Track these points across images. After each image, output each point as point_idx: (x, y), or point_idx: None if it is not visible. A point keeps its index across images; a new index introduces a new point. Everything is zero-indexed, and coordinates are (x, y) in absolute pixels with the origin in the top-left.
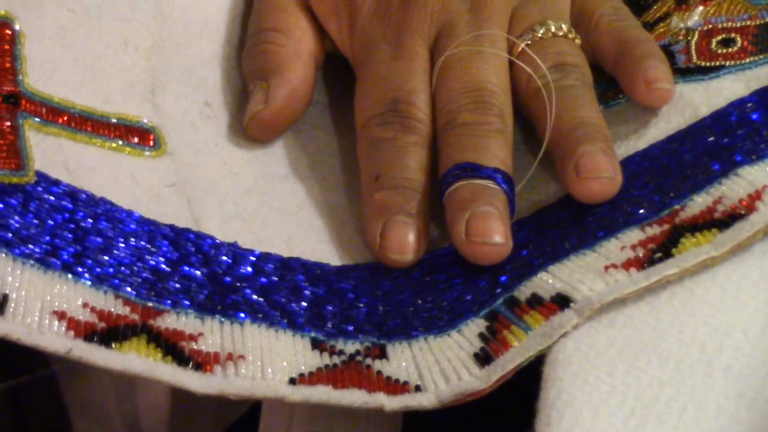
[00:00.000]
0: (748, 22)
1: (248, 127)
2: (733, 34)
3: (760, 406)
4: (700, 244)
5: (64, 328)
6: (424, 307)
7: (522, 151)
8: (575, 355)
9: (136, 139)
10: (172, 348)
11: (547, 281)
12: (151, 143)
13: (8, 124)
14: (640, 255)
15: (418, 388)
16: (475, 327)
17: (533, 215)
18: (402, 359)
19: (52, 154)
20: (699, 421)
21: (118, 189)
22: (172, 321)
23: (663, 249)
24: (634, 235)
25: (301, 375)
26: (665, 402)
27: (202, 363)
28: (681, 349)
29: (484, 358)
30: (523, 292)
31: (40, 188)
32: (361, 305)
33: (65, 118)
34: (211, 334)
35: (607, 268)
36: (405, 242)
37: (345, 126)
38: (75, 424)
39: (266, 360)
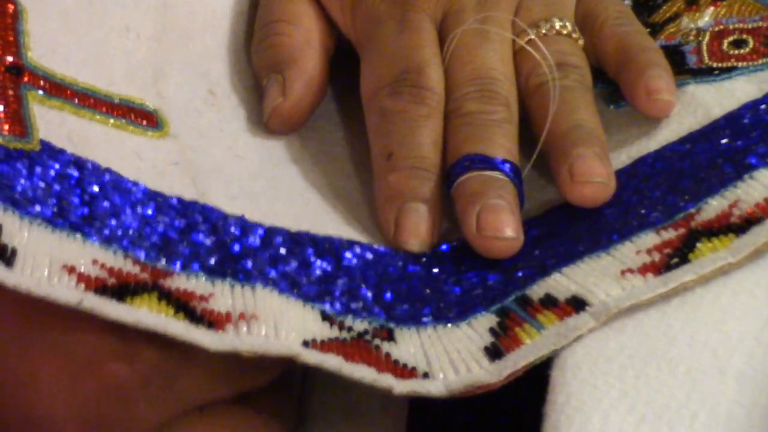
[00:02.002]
0: (760, 24)
1: (269, 122)
2: (744, 36)
3: None
4: (717, 249)
5: (74, 282)
6: (432, 297)
7: (519, 144)
8: (584, 360)
9: (139, 119)
10: (184, 306)
11: (561, 283)
12: (155, 124)
13: (11, 93)
14: (656, 260)
15: (426, 375)
16: (485, 321)
17: (544, 214)
18: (410, 345)
19: (55, 126)
20: (710, 429)
21: (122, 164)
22: (182, 282)
23: (679, 254)
24: (649, 239)
25: (314, 340)
26: (676, 409)
27: (214, 322)
28: (692, 355)
29: (494, 352)
30: (536, 291)
31: (45, 155)
32: (370, 286)
33: (68, 93)
34: (222, 295)
35: (623, 272)
36: (419, 231)
37: (349, 118)
38: None
39: (279, 321)
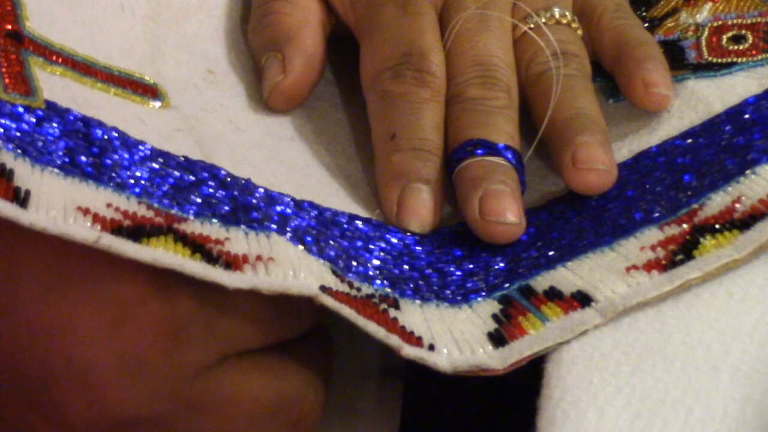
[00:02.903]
0: (759, 19)
1: (270, 100)
2: (743, 31)
3: (766, 409)
4: (721, 246)
5: (90, 222)
6: (434, 276)
7: (520, 134)
8: (580, 356)
9: (140, 90)
10: (200, 248)
11: (566, 277)
12: (155, 96)
13: (13, 57)
14: (661, 256)
15: (431, 347)
16: (488, 306)
17: (545, 206)
18: (415, 316)
19: (59, 90)
20: (705, 424)
21: (127, 128)
22: (196, 227)
23: (683, 251)
24: (653, 235)
25: (329, 288)
26: (671, 404)
27: (231, 263)
28: (687, 352)
29: (498, 339)
30: (540, 283)
31: (52, 112)
32: (374, 256)
33: (70, 62)
34: (237, 240)
35: (628, 269)
36: (422, 211)
37: (348, 100)
38: None
39: (296, 264)
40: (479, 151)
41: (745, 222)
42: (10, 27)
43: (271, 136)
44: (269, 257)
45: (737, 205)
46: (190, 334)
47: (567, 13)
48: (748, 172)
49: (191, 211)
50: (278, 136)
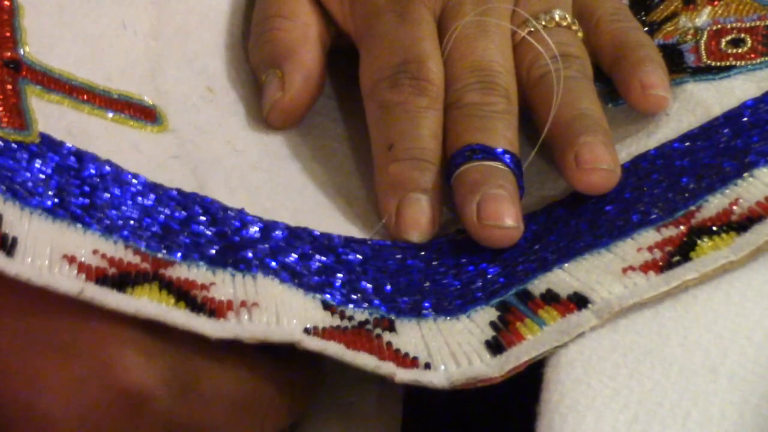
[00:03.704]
0: (758, 23)
1: (269, 117)
2: (742, 35)
3: (764, 412)
4: (719, 247)
5: (75, 272)
6: (432, 290)
7: (519, 139)
8: (578, 359)
9: (138, 114)
10: (185, 295)
11: (563, 279)
12: (153, 119)
13: (9, 87)
14: (657, 257)
15: (427, 366)
16: (486, 315)
17: (544, 210)
18: (411, 336)
19: (54, 119)
20: (703, 427)
21: (122, 157)
22: (183, 272)
23: (680, 252)
24: (650, 237)
25: (315, 327)
26: (669, 407)
27: (215, 309)
28: (685, 355)
29: (495, 347)
30: (537, 286)
31: (45, 147)
32: (369, 279)
33: (67, 88)
34: (223, 284)
35: (625, 270)
36: (420, 221)
37: (348, 113)
38: None
39: (281, 309)
40: (477, 156)
41: (742, 224)
42: (8, 55)
43: (269, 156)
44: (254, 302)
45: (735, 208)
46: (157, 409)
47: (567, 16)
48: (746, 174)
49: (178, 254)
50: (277, 155)
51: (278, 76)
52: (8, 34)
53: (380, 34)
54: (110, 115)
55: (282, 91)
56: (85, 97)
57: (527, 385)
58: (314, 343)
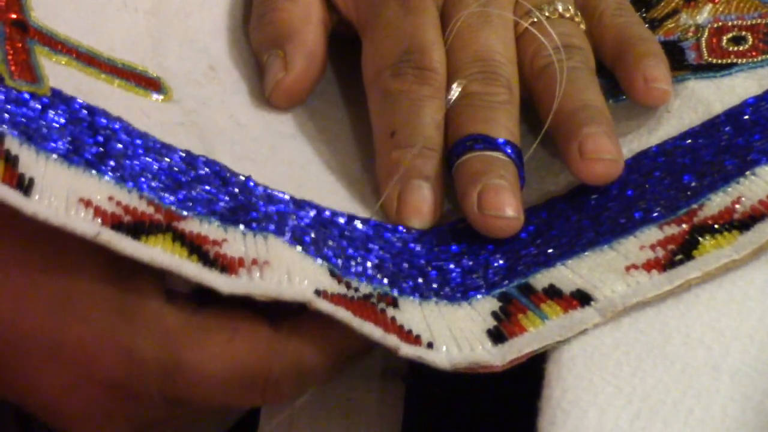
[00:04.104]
0: (759, 21)
1: (272, 97)
2: (743, 32)
3: (766, 409)
4: (721, 246)
5: (91, 215)
6: (434, 276)
7: (521, 130)
8: (580, 356)
9: (143, 83)
10: (197, 249)
11: (566, 275)
12: (158, 89)
13: (19, 45)
14: (660, 256)
15: (430, 345)
16: (487, 304)
17: (544, 204)
18: (414, 314)
19: (63, 78)
20: (705, 424)
21: (131, 119)
22: (195, 226)
23: (683, 250)
24: (652, 234)
25: (325, 291)
26: (671, 404)
27: (227, 266)
28: (687, 353)
29: (497, 336)
30: (540, 281)
31: (57, 100)
32: (372, 257)
33: (74, 53)
34: (235, 241)
35: (627, 268)
36: (422, 208)
37: (350, 99)
38: None
39: (292, 268)
40: (479, 146)
41: (744, 223)
42: (15, 16)
43: (272, 133)
44: (265, 261)
45: (737, 206)
46: (147, 393)
47: (570, 7)
48: (747, 173)
49: (191, 208)
50: (279, 133)
51: (280, 57)
52: None
53: (383, 23)
54: (116, 81)
55: (284, 72)
56: (92, 62)
57: (528, 382)
58: (325, 305)
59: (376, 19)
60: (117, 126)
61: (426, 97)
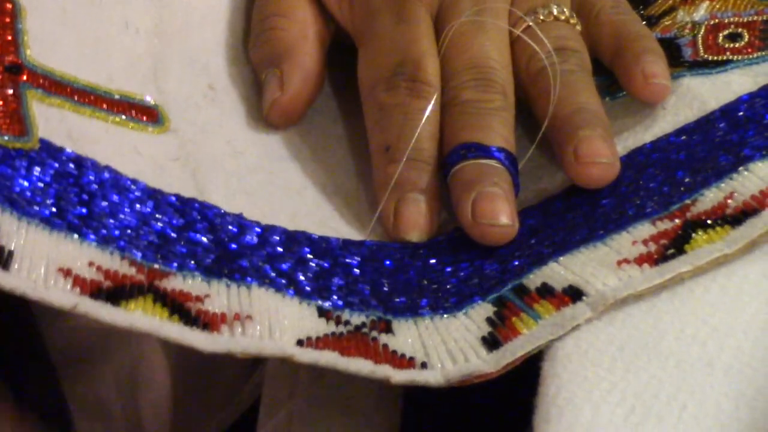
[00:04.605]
0: (755, 18)
1: (269, 116)
2: (740, 29)
3: (760, 405)
4: (713, 240)
5: (69, 285)
6: (429, 288)
7: (518, 133)
8: (575, 352)
9: (139, 115)
10: (179, 307)
11: (558, 272)
12: (155, 119)
13: (11, 92)
14: (652, 250)
15: (424, 365)
16: (482, 311)
17: (540, 204)
18: (408, 336)
19: (55, 123)
20: (699, 420)
21: (122, 160)
22: (178, 283)
23: (675, 245)
24: (645, 230)
25: (308, 338)
26: (665, 400)
27: (209, 323)
28: (681, 348)
29: (492, 342)
30: (533, 280)
31: (44, 154)
32: (367, 281)
33: (68, 91)
34: (218, 295)
35: (619, 263)
36: (419, 221)
37: (347, 113)
38: (76, 422)
39: (274, 321)
40: (472, 155)
41: (736, 218)
42: (10, 59)
43: (270, 157)
44: (248, 315)
45: (729, 201)
46: None
47: (565, 9)
48: (741, 168)
49: (174, 265)
50: (277, 156)
51: (277, 76)
52: (10, 37)
53: (377, 34)
54: (111, 117)
55: (281, 91)
56: (86, 99)
57: (526, 380)
58: (307, 356)
59: (371, 30)
60: (105, 176)
61: (420, 110)
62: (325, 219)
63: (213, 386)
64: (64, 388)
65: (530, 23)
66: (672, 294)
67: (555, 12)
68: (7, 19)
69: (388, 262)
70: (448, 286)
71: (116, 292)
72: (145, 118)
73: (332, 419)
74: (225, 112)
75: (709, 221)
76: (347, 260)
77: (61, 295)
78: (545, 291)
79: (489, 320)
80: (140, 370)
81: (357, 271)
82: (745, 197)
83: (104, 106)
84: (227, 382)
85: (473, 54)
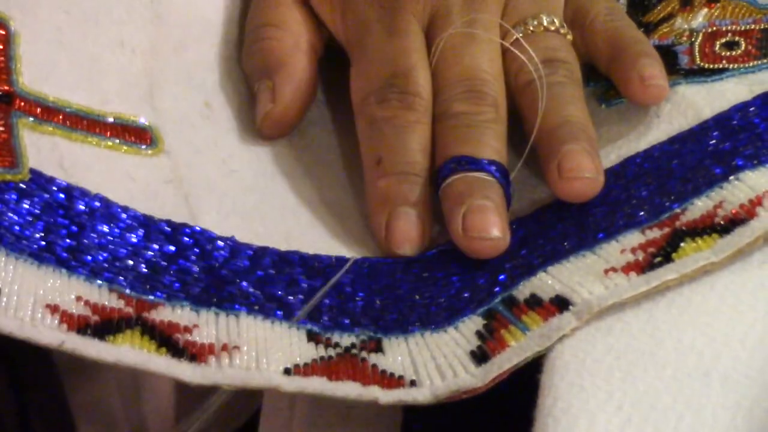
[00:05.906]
0: (753, 26)
1: (261, 128)
2: (737, 38)
3: (757, 415)
4: (701, 249)
5: (56, 322)
6: (421, 303)
7: (512, 143)
8: (572, 362)
9: (133, 138)
10: (167, 340)
11: (546, 282)
12: (149, 141)
13: (2, 122)
14: (640, 259)
15: (413, 383)
16: (472, 324)
17: (533, 214)
18: (398, 353)
19: (46, 152)
20: (695, 430)
21: (114, 186)
22: (166, 313)
23: (663, 253)
24: (634, 238)
25: (296, 366)
26: (662, 410)
27: (196, 354)
28: (678, 358)
29: (480, 356)
30: (522, 291)
31: (34, 185)
32: (358, 299)
33: (60, 117)
34: (206, 326)
35: (606, 271)
36: (410, 235)
37: (343, 123)
38: (80, 426)
39: (261, 350)
40: (463, 168)
41: (725, 227)
42: (2, 88)
43: (265, 175)
44: (235, 345)
45: (718, 210)
46: None
47: (555, 20)
48: (731, 177)
49: (163, 296)
50: (271, 173)
51: (269, 88)
52: (2, 65)
53: (369, 47)
54: (104, 142)
55: (273, 103)
56: (79, 125)
57: (527, 384)
58: (294, 384)
59: (362, 42)
60: (96, 204)
61: (411, 123)
62: (319, 237)
63: (215, 393)
64: (68, 394)
65: (518, 36)
66: (669, 303)
67: (545, 22)
68: (1, 46)
69: (380, 278)
70: (440, 300)
71: (104, 326)
72: (138, 140)
73: (332, 422)
74: (221, 130)
75: (697, 230)
76: (339, 278)
77: (49, 333)
78: (534, 302)
79: (478, 333)
80: (143, 377)
81: (349, 289)
82: (735, 206)
83: (97, 130)
84: (229, 390)
85: (464, 66)
